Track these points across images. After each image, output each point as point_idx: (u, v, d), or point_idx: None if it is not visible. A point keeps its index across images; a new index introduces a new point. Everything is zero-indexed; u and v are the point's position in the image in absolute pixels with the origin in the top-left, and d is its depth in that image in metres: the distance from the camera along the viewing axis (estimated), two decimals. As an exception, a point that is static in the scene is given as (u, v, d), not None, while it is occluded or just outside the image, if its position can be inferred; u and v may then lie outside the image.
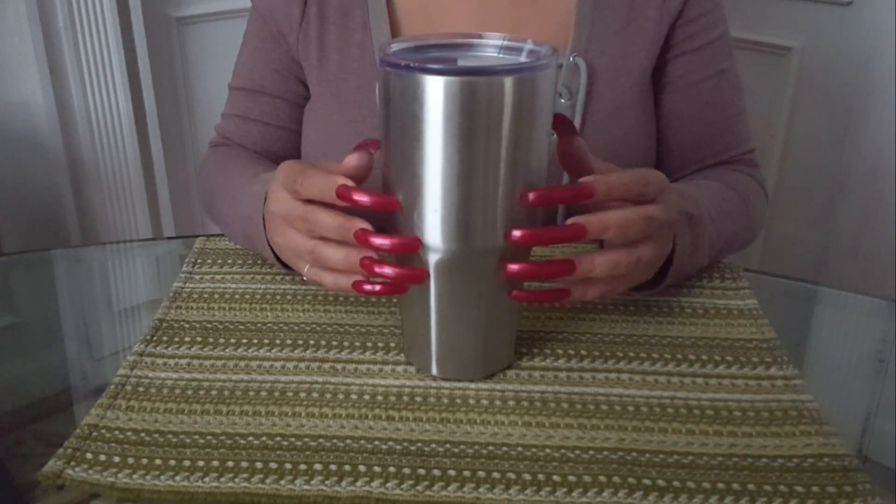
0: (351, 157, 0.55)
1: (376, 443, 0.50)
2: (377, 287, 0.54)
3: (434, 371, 0.56)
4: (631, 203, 0.55)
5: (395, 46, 0.53)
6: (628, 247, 0.55)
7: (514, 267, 0.52)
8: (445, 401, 0.54)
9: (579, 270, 0.53)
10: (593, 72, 0.77)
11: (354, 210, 0.53)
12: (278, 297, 0.67)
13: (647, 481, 0.47)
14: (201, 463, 0.48)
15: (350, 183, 0.53)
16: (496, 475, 0.48)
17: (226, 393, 0.55)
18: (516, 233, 0.51)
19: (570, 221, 0.52)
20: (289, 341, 0.61)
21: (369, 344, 0.60)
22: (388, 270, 0.53)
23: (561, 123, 0.55)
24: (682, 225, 0.61)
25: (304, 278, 0.59)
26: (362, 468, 0.48)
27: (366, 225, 0.53)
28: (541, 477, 0.48)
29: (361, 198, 0.52)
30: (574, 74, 0.77)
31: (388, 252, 0.52)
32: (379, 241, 0.52)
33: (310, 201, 0.56)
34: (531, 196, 0.51)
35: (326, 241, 0.56)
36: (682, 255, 0.62)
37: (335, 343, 0.61)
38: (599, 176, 0.54)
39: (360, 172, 0.55)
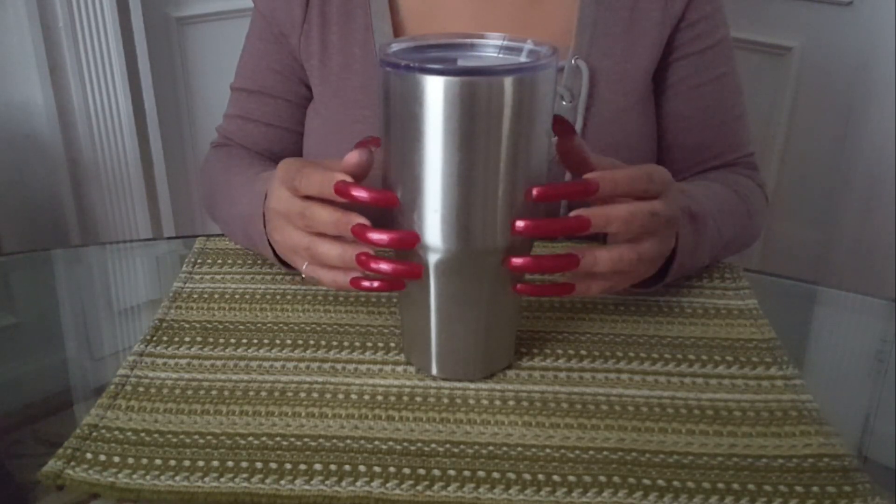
0: (351, 155, 0.55)
1: (376, 443, 0.50)
2: (375, 283, 0.54)
3: (434, 371, 0.56)
4: (635, 199, 0.55)
5: (395, 46, 0.53)
6: (632, 242, 0.55)
7: (517, 260, 0.52)
8: (445, 401, 0.54)
9: (582, 264, 0.53)
10: (595, 74, 0.77)
11: (353, 206, 0.53)
12: (278, 297, 0.67)
13: (647, 481, 0.47)
14: (201, 463, 0.48)
15: (349, 179, 0.53)
16: (496, 475, 0.48)
17: (226, 393, 0.55)
18: (520, 223, 0.51)
19: (573, 214, 0.53)
20: (289, 341, 0.61)
21: (369, 344, 0.60)
22: (384, 266, 0.52)
23: (559, 124, 0.55)
24: (684, 222, 0.61)
25: (303, 276, 0.59)
26: (362, 468, 0.48)
27: (363, 220, 0.53)
28: (541, 477, 0.48)
29: (360, 193, 0.52)
30: (576, 77, 0.77)
31: (386, 247, 0.52)
32: (377, 236, 0.52)
33: (308, 198, 0.56)
34: (535, 191, 0.51)
35: (323, 237, 0.56)
36: (684, 253, 0.62)
37: (335, 343, 0.61)
38: (604, 172, 0.54)
39: (361, 169, 0.55)
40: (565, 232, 0.54)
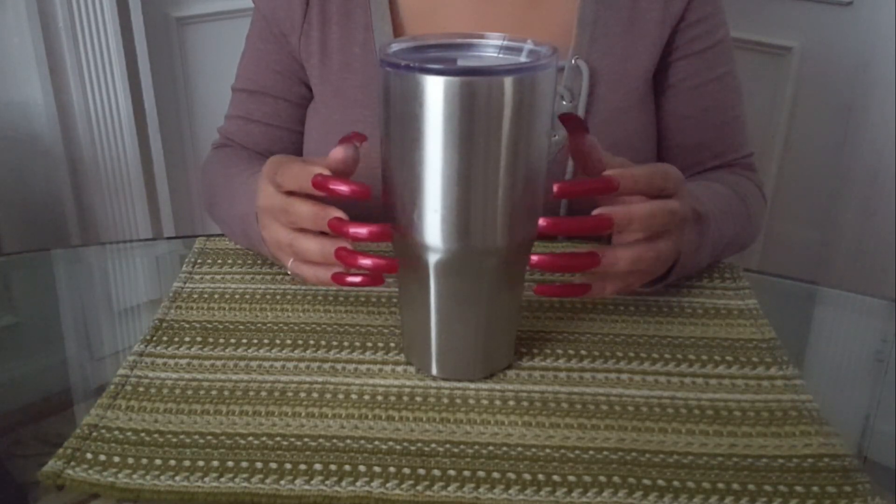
0: (336, 150, 0.55)
1: (376, 443, 0.50)
2: (357, 279, 0.54)
3: (434, 371, 0.56)
4: (650, 197, 0.55)
5: (395, 46, 0.53)
6: (649, 241, 0.55)
7: (538, 258, 0.52)
8: (445, 401, 0.54)
9: (603, 264, 0.53)
10: (595, 74, 0.77)
11: (340, 203, 0.53)
12: (278, 297, 0.67)
13: (647, 481, 0.47)
14: (201, 463, 0.48)
15: (326, 172, 0.54)
16: (496, 475, 0.48)
17: (226, 393, 0.55)
18: (542, 221, 0.51)
19: (596, 212, 0.52)
20: (289, 341, 0.61)
21: (369, 344, 0.60)
22: (362, 261, 0.53)
23: (571, 121, 0.55)
24: (689, 222, 0.61)
25: (289, 273, 0.59)
26: (362, 468, 0.48)
27: (341, 214, 0.53)
28: (541, 477, 0.48)
29: (338, 186, 0.53)
30: (576, 77, 0.77)
31: (364, 241, 0.53)
32: (354, 229, 0.52)
33: (292, 193, 0.56)
34: (555, 188, 0.51)
35: (305, 232, 0.56)
36: (687, 253, 0.62)
37: (335, 343, 0.61)
38: (624, 170, 0.54)
39: (346, 165, 0.55)
40: (588, 231, 0.53)
